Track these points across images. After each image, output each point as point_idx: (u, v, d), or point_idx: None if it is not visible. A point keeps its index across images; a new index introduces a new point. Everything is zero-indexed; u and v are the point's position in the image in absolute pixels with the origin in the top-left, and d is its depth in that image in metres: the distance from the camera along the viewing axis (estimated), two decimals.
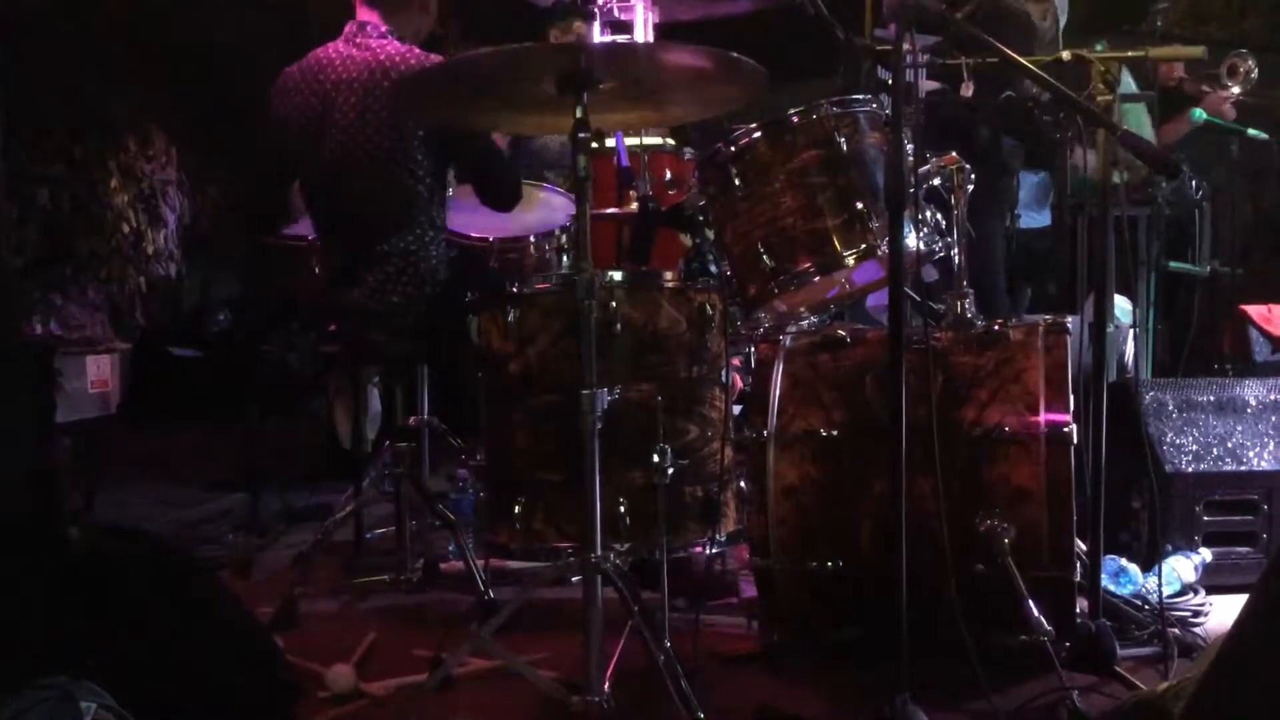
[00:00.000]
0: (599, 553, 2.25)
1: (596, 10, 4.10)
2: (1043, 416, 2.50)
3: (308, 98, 3.36)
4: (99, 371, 7.41)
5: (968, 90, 2.71)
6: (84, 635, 2.04)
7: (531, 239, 4.03)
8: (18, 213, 6.65)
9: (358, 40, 3.38)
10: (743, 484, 2.84)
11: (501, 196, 3.48)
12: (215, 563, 3.68)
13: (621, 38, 4.25)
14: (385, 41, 3.36)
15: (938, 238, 2.81)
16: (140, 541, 2.36)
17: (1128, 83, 4.90)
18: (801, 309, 3.14)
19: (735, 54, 2.25)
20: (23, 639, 1.99)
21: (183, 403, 6.88)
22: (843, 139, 2.73)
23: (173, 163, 8.13)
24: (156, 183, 7.98)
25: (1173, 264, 4.98)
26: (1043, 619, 2.42)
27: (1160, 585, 2.77)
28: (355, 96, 3.30)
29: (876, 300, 4.28)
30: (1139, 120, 5.02)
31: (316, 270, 4.01)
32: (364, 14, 3.43)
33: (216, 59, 7.58)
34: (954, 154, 2.78)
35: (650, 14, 4.56)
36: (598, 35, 4.23)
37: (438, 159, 3.36)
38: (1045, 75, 2.27)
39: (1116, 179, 2.57)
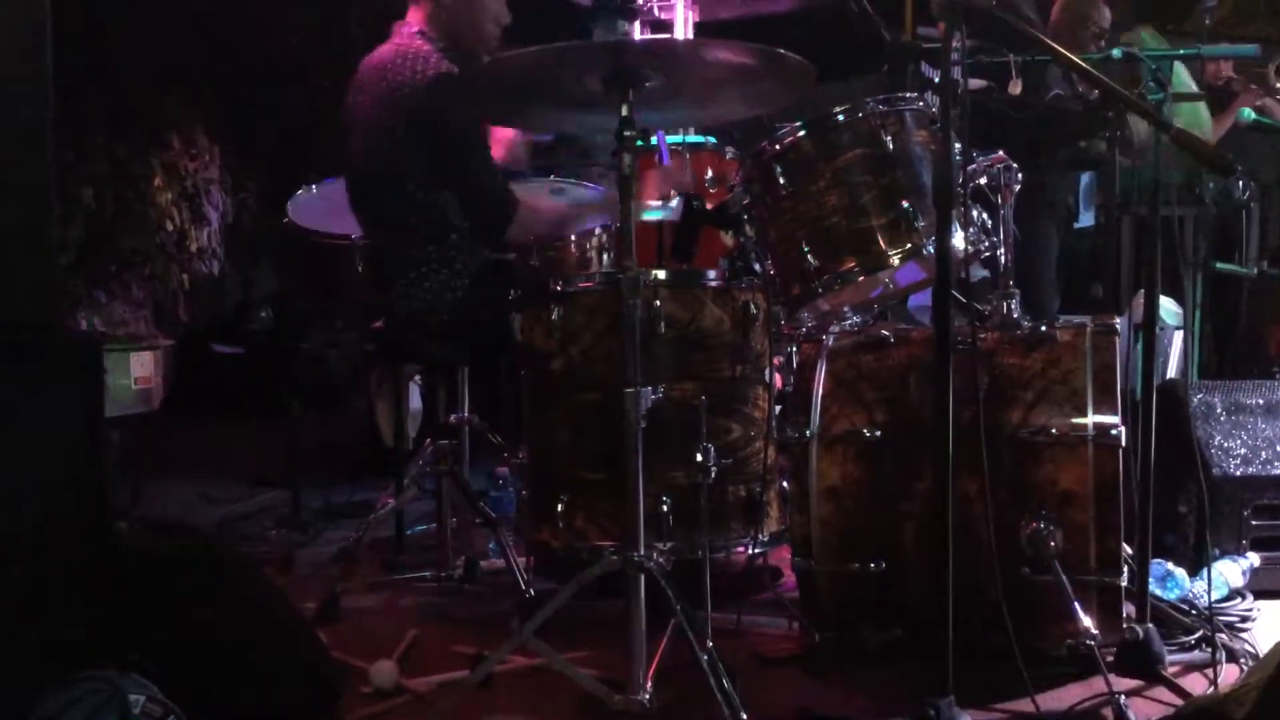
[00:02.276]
0: (642, 552, 2.25)
1: (637, 9, 4.09)
2: (1090, 418, 2.48)
3: (348, 97, 3.37)
4: (142, 368, 7.48)
5: (1015, 88, 2.68)
6: (131, 629, 2.06)
7: (572, 236, 4.03)
8: (63, 210, 6.71)
9: (394, 40, 3.35)
10: (785, 484, 2.83)
11: (488, 221, 3.31)
12: (257, 558, 3.71)
13: (664, 36, 4.24)
14: (405, 42, 3.29)
15: (984, 237, 2.79)
16: (186, 537, 2.39)
17: (1185, 81, 4.86)
18: (845, 308, 3.12)
19: (780, 50, 2.24)
20: (72, 632, 2.02)
21: (225, 399, 6.94)
22: (889, 137, 2.71)
23: (215, 161, 8.19)
24: (199, 181, 8.05)
25: (1220, 265, 4.92)
26: (1089, 623, 2.40)
27: (1208, 590, 2.74)
28: (365, 99, 3.29)
29: (918, 300, 4.26)
30: (1197, 118, 4.96)
31: (359, 269, 4.03)
32: (410, 10, 3.41)
33: (259, 57, 7.64)
34: (1001, 153, 2.76)
35: (690, 12, 4.55)
36: (638, 34, 4.23)
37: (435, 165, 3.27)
38: (1098, 73, 2.24)
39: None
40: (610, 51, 2.30)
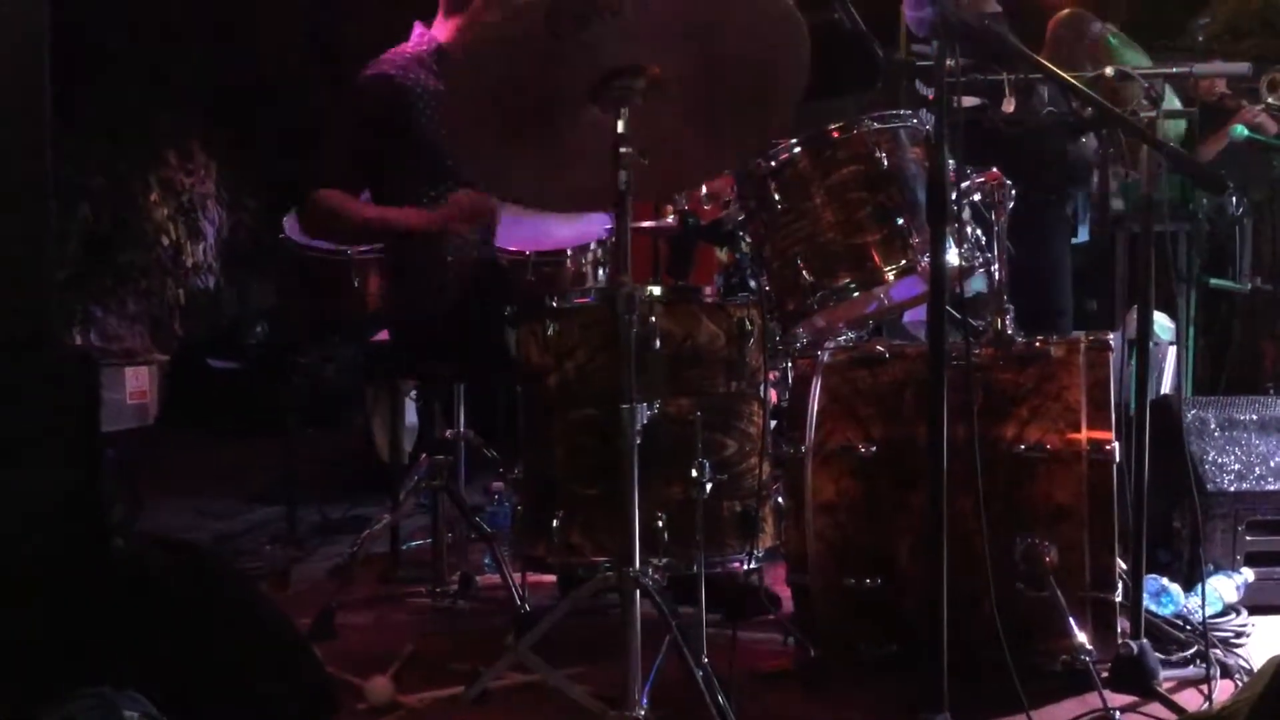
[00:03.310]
0: (637, 567, 2.25)
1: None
2: (1084, 434, 2.48)
3: None
4: (138, 383, 7.47)
5: (1009, 106, 2.69)
6: (127, 644, 2.06)
7: (568, 252, 4.04)
8: (60, 225, 6.71)
9: None
10: (780, 499, 2.84)
11: None
12: (253, 574, 3.70)
13: None
14: (408, 43, 3.38)
15: (978, 253, 2.80)
16: (182, 552, 2.39)
17: (1171, 99, 4.87)
18: (840, 324, 3.13)
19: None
20: (67, 648, 2.01)
21: (221, 414, 6.93)
22: (883, 154, 2.72)
23: (211, 176, 8.20)
24: (195, 196, 8.06)
25: (1213, 281, 4.93)
26: (1084, 638, 2.40)
27: (1203, 605, 2.75)
28: None
29: (913, 316, 4.27)
30: (1176, 137, 4.97)
31: (355, 284, 4.04)
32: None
33: (255, 73, 7.65)
34: (995, 170, 2.77)
35: None
36: None
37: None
38: (1090, 92, 2.26)
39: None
40: None
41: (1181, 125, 4.91)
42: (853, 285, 2.74)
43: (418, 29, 3.40)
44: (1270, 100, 5.21)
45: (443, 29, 3.40)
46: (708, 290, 2.88)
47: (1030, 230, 2.97)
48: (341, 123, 3.35)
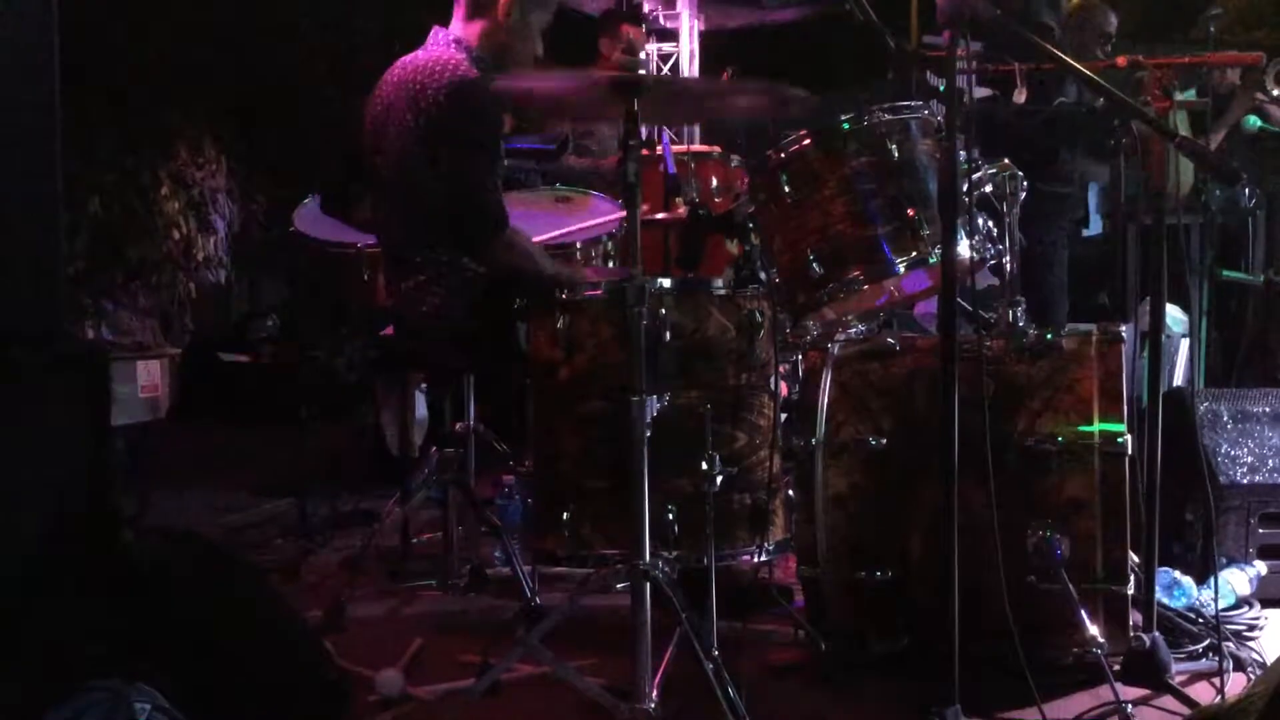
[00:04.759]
0: (647, 560, 2.25)
1: (645, 16, 4.10)
2: (1096, 427, 2.47)
3: (375, 103, 3.34)
4: (149, 376, 7.47)
5: (1021, 96, 2.69)
6: (138, 638, 2.06)
7: (578, 245, 4.03)
8: (70, 220, 6.72)
9: (427, 45, 3.34)
10: (791, 492, 2.83)
11: (464, 228, 3.23)
12: (264, 567, 3.71)
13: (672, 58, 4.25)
14: (439, 50, 3.30)
15: (989, 245, 2.79)
16: (192, 545, 2.39)
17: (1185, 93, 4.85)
18: (850, 316, 3.12)
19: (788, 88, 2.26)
20: (78, 641, 2.02)
21: (232, 408, 6.94)
22: (894, 146, 2.71)
23: (222, 170, 8.21)
24: (206, 190, 8.07)
25: (1226, 272, 4.92)
26: (1096, 631, 2.39)
27: (1215, 598, 2.74)
28: (395, 105, 3.28)
29: (924, 308, 4.26)
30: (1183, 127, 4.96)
31: (365, 277, 4.04)
32: (456, 21, 3.37)
33: (266, 67, 7.66)
34: (1006, 160, 2.76)
35: (696, 21, 4.56)
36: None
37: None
38: (1103, 82, 2.24)
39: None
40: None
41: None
42: (863, 278, 2.73)
43: (437, 32, 3.35)
44: (1276, 92, 5.19)
45: (465, 30, 3.35)
46: (718, 282, 2.87)
47: (1025, 220, 2.95)
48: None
